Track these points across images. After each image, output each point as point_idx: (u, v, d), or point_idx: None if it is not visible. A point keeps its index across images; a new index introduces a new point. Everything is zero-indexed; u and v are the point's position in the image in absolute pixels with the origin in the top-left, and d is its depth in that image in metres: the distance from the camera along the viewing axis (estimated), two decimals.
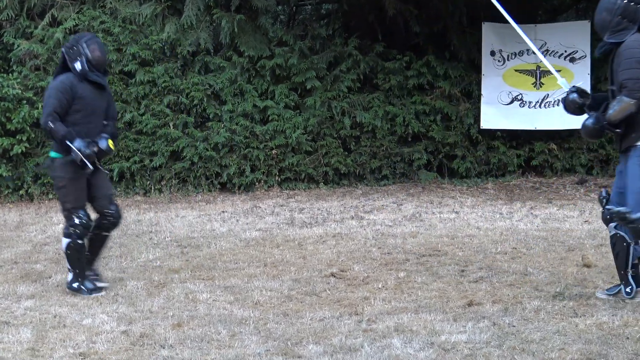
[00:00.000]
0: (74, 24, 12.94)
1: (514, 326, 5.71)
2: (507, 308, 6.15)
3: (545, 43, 13.01)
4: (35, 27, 13.07)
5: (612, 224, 6.21)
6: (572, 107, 6.39)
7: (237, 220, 10.52)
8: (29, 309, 6.71)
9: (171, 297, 6.91)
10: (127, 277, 7.68)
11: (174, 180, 12.69)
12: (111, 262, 8.33)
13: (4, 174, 12.29)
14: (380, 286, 7.04)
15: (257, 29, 13.14)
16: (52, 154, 7.03)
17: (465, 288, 6.85)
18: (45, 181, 12.50)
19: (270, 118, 12.88)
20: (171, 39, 12.93)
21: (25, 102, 12.50)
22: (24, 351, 5.64)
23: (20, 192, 12.52)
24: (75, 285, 6.99)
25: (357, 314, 6.24)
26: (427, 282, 7.12)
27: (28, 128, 12.39)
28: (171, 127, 12.70)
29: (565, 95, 6.46)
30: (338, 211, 10.82)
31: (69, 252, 6.98)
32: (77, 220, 6.94)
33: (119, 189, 12.63)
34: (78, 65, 6.91)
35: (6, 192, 12.47)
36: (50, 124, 6.79)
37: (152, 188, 12.66)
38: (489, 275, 7.20)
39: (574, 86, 6.49)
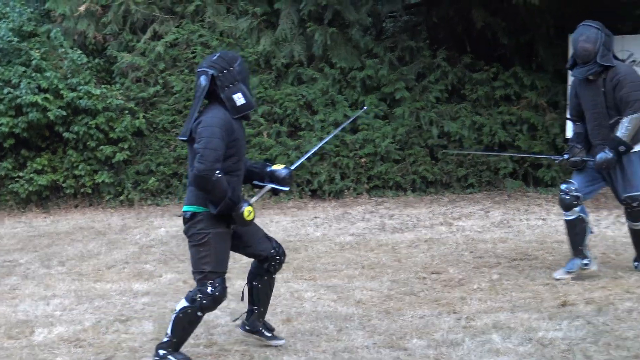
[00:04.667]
0: (174, 37, 13.54)
1: (608, 325, 6.01)
2: (600, 308, 6.44)
3: (632, 54, 13.13)
4: (137, 41, 13.68)
5: (577, 208, 7.38)
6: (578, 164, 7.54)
7: (330, 226, 10.93)
8: (147, 304, 7.24)
9: (277, 295, 7.33)
10: (232, 276, 8.10)
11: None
12: None
13: (106, 180, 12.91)
14: (475, 287, 7.39)
15: (348, 41, 13.54)
16: (192, 207, 5.52)
17: (557, 290, 7.14)
18: (144, 187, 13.11)
19: (360, 127, 13.27)
20: (266, 52, 13.42)
21: (127, 112, 13.11)
22: (149, 341, 6.14)
23: (121, 197, 13.12)
24: (161, 352, 5.59)
25: (456, 313, 6.60)
26: (520, 284, 7.43)
27: (129, 137, 12.99)
28: (265, 136, 13.20)
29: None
30: (427, 218, 11.15)
31: (180, 316, 5.54)
32: (210, 289, 5.47)
33: None
34: (240, 98, 5.47)
35: (108, 197, 13.08)
36: (217, 175, 5.23)
37: (246, 194, 13.12)
38: (580, 278, 7.46)
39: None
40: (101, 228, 11.21)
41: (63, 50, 13.12)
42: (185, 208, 5.56)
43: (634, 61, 13.04)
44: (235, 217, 5.41)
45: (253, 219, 5.48)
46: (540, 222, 10.54)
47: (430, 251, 9.02)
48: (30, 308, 7.19)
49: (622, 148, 7.15)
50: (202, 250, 5.45)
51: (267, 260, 5.87)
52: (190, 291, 5.59)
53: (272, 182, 5.73)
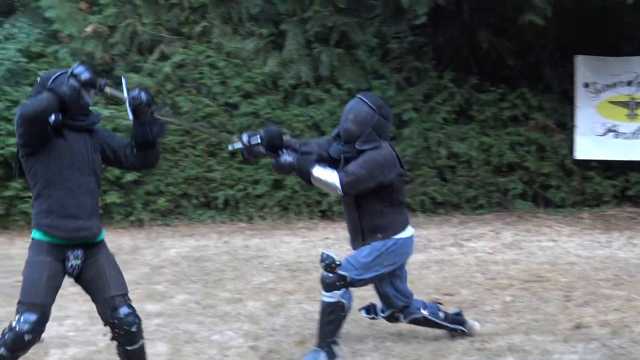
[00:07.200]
0: (182, 58, 13.59)
1: (624, 347, 5.99)
2: (615, 331, 6.42)
3: (638, 75, 13.17)
4: (145, 62, 13.74)
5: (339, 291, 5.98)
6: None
7: (341, 247, 10.91)
8: (160, 326, 7.22)
9: (290, 317, 7.36)
10: (245, 298, 8.15)
11: (276, 208, 13.17)
12: (228, 284, 8.82)
13: (116, 201, 12.92)
14: (488, 309, 7.37)
15: (354, 62, 13.60)
16: (33, 231, 5.20)
17: (571, 312, 7.13)
18: (154, 208, 13.11)
19: None
20: (273, 72, 13.48)
21: None
22: None
23: (131, 218, 13.13)
24: None
25: (470, 335, 6.59)
26: (534, 306, 7.42)
27: None
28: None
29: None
30: (437, 239, 11.14)
31: None
32: (14, 322, 4.89)
33: (223, 215, 13.13)
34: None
35: (118, 217, 13.09)
36: (25, 104, 4.92)
37: (255, 215, 13.15)
38: (594, 300, 7.46)
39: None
40: (112, 248, 11.04)
41: None
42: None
43: None
44: (74, 75, 4.94)
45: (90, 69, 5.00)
46: (551, 243, 10.53)
47: (441, 272, 9.02)
48: None
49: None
50: (23, 280, 5.03)
51: (109, 327, 5.23)
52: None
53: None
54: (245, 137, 6.03)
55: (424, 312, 6.40)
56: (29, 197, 12.63)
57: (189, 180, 13.24)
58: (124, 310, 5.14)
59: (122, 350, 5.27)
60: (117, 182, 13.01)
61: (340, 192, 5.87)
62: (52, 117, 5.00)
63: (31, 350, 6.42)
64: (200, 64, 13.62)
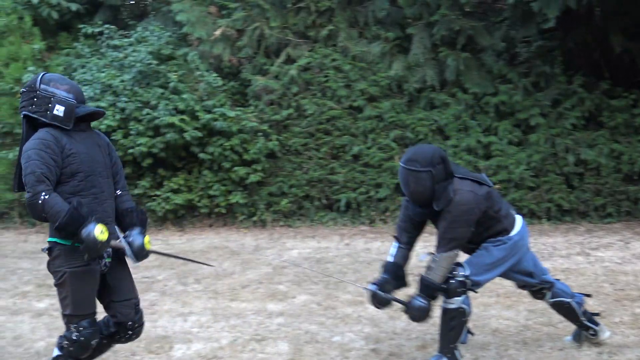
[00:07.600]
0: (307, 61, 13.69)
1: None
2: None
3: None
4: (271, 65, 13.90)
5: (460, 298, 5.94)
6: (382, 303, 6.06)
7: (463, 255, 10.77)
8: (281, 325, 7.28)
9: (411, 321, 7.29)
10: (366, 300, 8.12)
11: (398, 212, 13.08)
12: (349, 286, 8.81)
13: (240, 201, 13.10)
14: (617, 320, 7.14)
15: (481, 67, 13.42)
16: (50, 239, 5.07)
17: None
18: (277, 209, 13.23)
19: (493, 153, 13.08)
20: (398, 76, 13.44)
21: (260, 134, 13.30)
22: None
23: (254, 218, 13.29)
24: None
25: (597, 346, 6.39)
26: None
27: (263, 158, 13.16)
28: (396, 160, 13.16)
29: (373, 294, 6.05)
30: (563, 247, 10.87)
31: None
32: (74, 335, 5.02)
33: (345, 218, 13.15)
34: (59, 110, 4.95)
35: (241, 218, 13.27)
36: (43, 197, 4.76)
37: (377, 218, 13.13)
38: None
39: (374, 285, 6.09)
40: (235, 248, 11.36)
41: (199, 73, 13.46)
42: (48, 239, 5.12)
43: None
44: (82, 236, 4.81)
45: (105, 241, 4.88)
46: None
47: (567, 281, 8.74)
48: (168, 324, 7.35)
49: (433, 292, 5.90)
50: (61, 292, 5.02)
51: (119, 327, 5.38)
52: (60, 336, 5.17)
53: (127, 243, 5.17)
54: (372, 287, 6.02)
55: (571, 300, 6.32)
56: (156, 196, 13.05)
57: (312, 183, 13.32)
58: (141, 315, 5.47)
59: (108, 342, 5.46)
60: (241, 182, 13.21)
61: (457, 255, 5.90)
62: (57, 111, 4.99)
63: (156, 344, 6.62)
64: (326, 67, 13.70)
